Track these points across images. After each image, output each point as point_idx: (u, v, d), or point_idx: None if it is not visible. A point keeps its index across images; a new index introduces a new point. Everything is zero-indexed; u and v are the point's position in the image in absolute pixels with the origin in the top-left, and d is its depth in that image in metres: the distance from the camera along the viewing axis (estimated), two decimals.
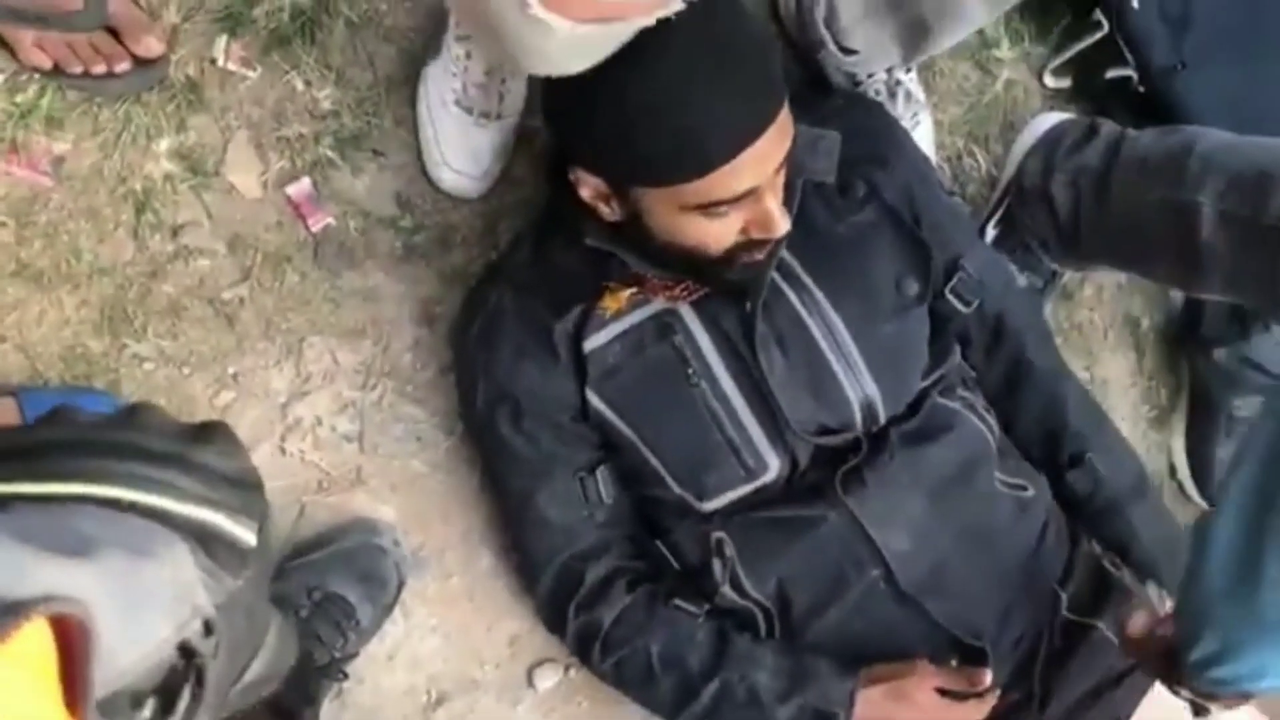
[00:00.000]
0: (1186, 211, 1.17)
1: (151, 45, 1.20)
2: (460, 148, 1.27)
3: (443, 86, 1.26)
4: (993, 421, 1.22)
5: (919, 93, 1.39)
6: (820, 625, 1.15)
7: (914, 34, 1.24)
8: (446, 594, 1.35)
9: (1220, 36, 1.42)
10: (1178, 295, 1.58)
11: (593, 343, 1.14)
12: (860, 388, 1.13)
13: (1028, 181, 1.40)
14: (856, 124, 1.21)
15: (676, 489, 1.16)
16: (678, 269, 1.08)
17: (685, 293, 1.12)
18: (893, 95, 1.35)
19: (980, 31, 1.49)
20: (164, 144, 1.24)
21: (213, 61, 1.26)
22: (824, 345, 1.12)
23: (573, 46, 0.82)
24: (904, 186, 1.20)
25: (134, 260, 1.25)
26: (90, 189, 1.23)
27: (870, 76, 1.34)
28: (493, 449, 1.23)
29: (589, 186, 1.03)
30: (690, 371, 1.11)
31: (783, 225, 1.00)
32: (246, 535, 0.52)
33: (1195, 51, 1.41)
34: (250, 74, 1.27)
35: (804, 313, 1.13)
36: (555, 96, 1.02)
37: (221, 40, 1.26)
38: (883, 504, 1.11)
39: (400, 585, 1.30)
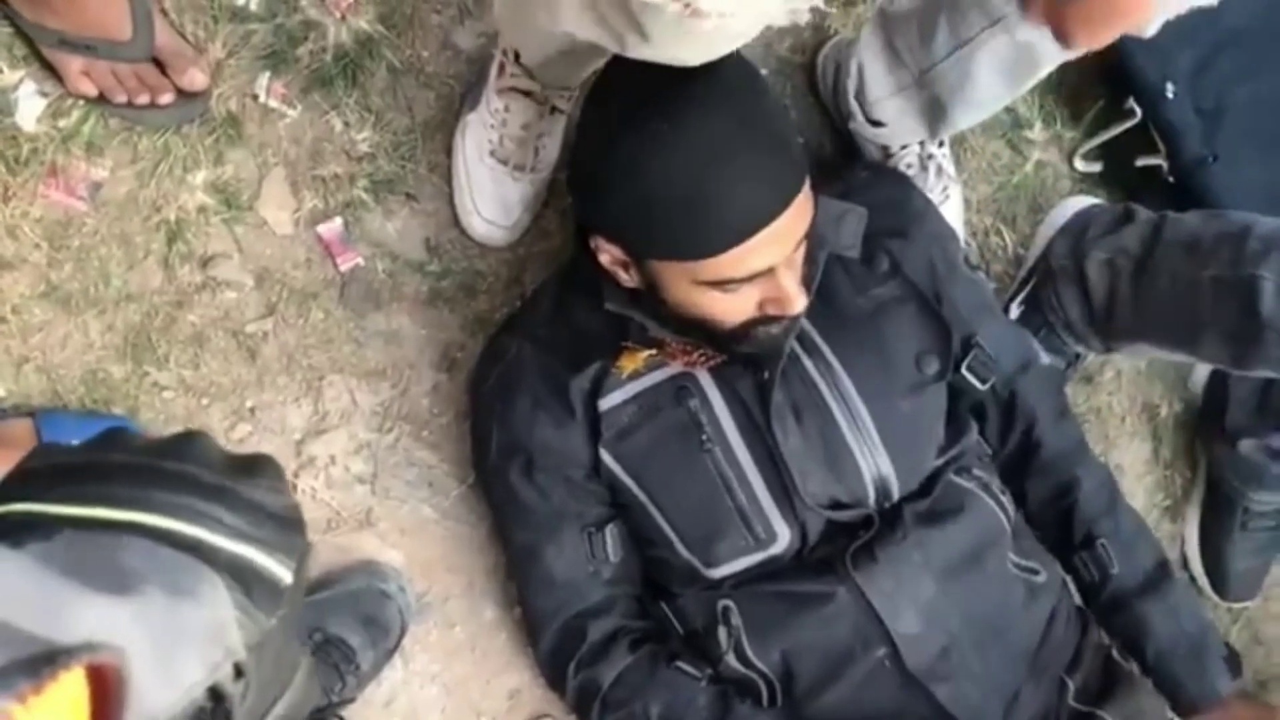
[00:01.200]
0: (1245, 287, 1.17)
1: (196, 78, 1.21)
2: (492, 198, 1.29)
3: (480, 137, 1.27)
4: (1007, 502, 1.21)
5: (950, 167, 1.40)
6: (823, 701, 1.14)
7: (935, 112, 1.26)
8: (448, 643, 1.34)
9: (1253, 131, 1.43)
10: (1198, 385, 1.58)
11: (608, 402, 1.14)
12: (874, 462, 1.13)
13: (1056, 262, 1.41)
14: (882, 196, 1.22)
15: (685, 554, 1.15)
16: (694, 336, 1.08)
17: (704, 359, 1.12)
18: (924, 168, 1.36)
19: (1013, 111, 1.50)
20: (200, 176, 1.25)
21: (254, 97, 1.27)
22: (840, 418, 1.12)
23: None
24: (925, 259, 1.20)
25: (162, 289, 1.25)
26: (124, 216, 1.24)
27: (903, 149, 1.35)
28: (503, 500, 1.22)
29: (608, 254, 1.03)
30: (704, 438, 1.11)
31: (799, 304, 0.99)
32: (284, 574, 0.52)
33: (1227, 144, 1.42)
34: (290, 112, 1.28)
35: (821, 384, 1.12)
36: (578, 166, 1.03)
37: (264, 77, 1.27)
38: (893, 583, 1.10)
39: (403, 631, 1.29)
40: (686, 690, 1.16)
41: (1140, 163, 1.47)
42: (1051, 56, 1.11)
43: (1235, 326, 1.20)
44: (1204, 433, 1.55)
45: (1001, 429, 1.27)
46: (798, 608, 1.12)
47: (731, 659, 1.15)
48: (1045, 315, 1.43)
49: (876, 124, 1.33)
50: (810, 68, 1.44)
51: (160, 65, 1.21)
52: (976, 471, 1.20)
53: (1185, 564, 1.60)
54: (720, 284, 0.97)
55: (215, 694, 0.45)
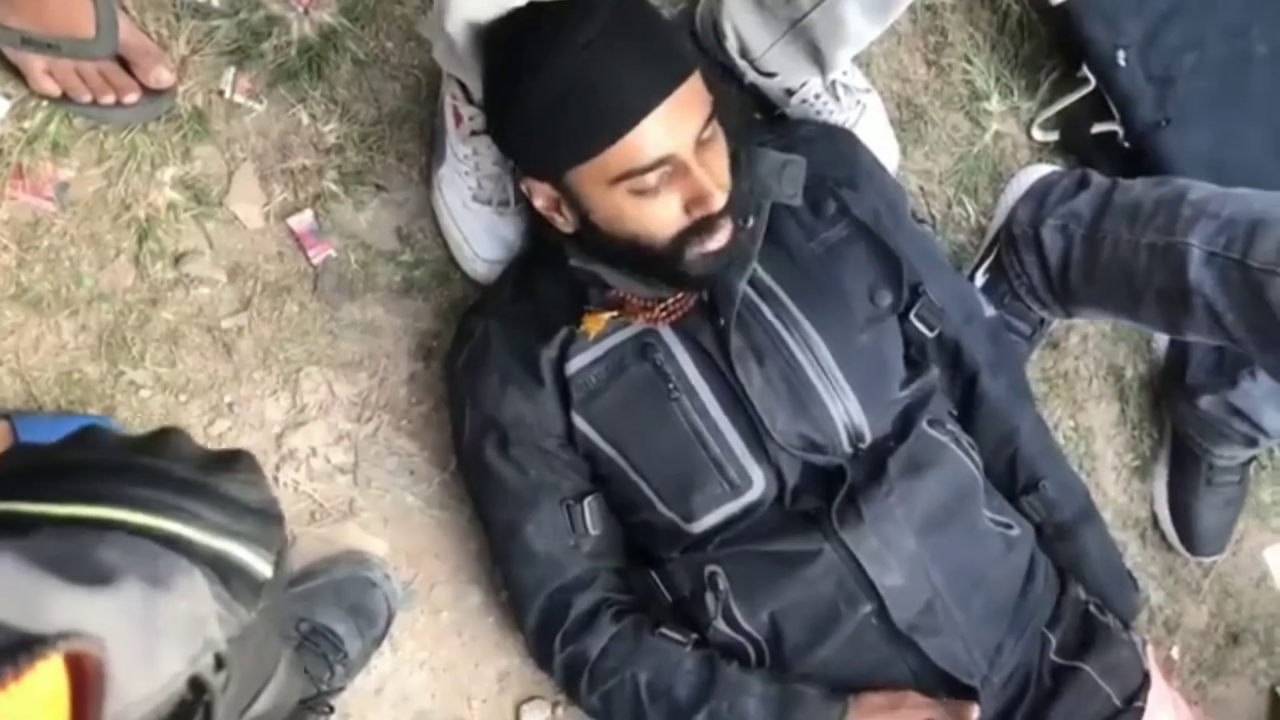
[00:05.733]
0: (1175, 252, 1.20)
1: (162, 76, 1.22)
2: (488, 240, 1.30)
3: (458, 187, 1.29)
4: (977, 457, 1.24)
5: (857, 81, 1.41)
6: (811, 659, 1.15)
7: (815, 54, 1.30)
8: (436, 629, 1.34)
9: (1203, 95, 1.46)
10: (1161, 346, 1.61)
11: (575, 365, 1.16)
12: (842, 403, 1.15)
13: (1018, 229, 1.43)
14: (828, 150, 1.27)
15: (665, 511, 1.16)
16: (641, 268, 1.10)
17: (665, 314, 1.15)
18: (834, 95, 1.38)
19: (971, 84, 1.53)
20: (169, 173, 1.26)
21: (220, 93, 1.27)
22: (801, 358, 1.15)
23: None
24: (873, 208, 1.23)
25: (134, 287, 1.25)
26: (93, 215, 1.24)
27: (803, 85, 1.37)
28: (480, 479, 1.24)
29: (540, 195, 1.08)
30: (671, 387, 1.13)
31: (718, 199, 1.02)
32: (263, 567, 0.52)
33: (1179, 109, 1.45)
34: (257, 106, 1.29)
35: (780, 326, 1.15)
36: (489, 111, 1.09)
37: (229, 73, 1.27)
38: (878, 540, 1.12)
39: (389, 619, 1.29)
40: (673, 656, 1.17)
41: (1096, 129, 1.50)
42: None
43: (1168, 293, 1.22)
44: (1167, 392, 1.58)
45: (948, 380, 1.30)
46: (784, 568, 1.13)
47: (720, 623, 1.16)
48: (1009, 282, 1.45)
49: (769, 75, 1.36)
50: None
51: (124, 63, 1.21)
52: (949, 426, 1.23)
53: (1155, 521, 1.63)
54: (629, 176, 1.00)
55: (196, 685, 0.45)
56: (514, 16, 1.00)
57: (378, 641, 1.29)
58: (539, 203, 1.09)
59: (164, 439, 0.53)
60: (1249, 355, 1.24)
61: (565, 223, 1.10)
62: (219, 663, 0.47)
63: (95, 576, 0.40)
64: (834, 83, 1.38)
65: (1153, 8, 1.46)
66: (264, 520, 0.53)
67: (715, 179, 1.02)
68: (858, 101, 1.39)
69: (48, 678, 0.35)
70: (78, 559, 0.42)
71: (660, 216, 1.03)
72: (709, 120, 1.02)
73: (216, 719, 0.46)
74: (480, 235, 1.31)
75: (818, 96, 1.37)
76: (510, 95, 1.02)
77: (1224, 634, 1.67)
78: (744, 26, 1.33)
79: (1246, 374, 1.40)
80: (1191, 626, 1.65)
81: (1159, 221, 1.24)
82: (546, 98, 0.98)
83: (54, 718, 0.36)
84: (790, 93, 1.37)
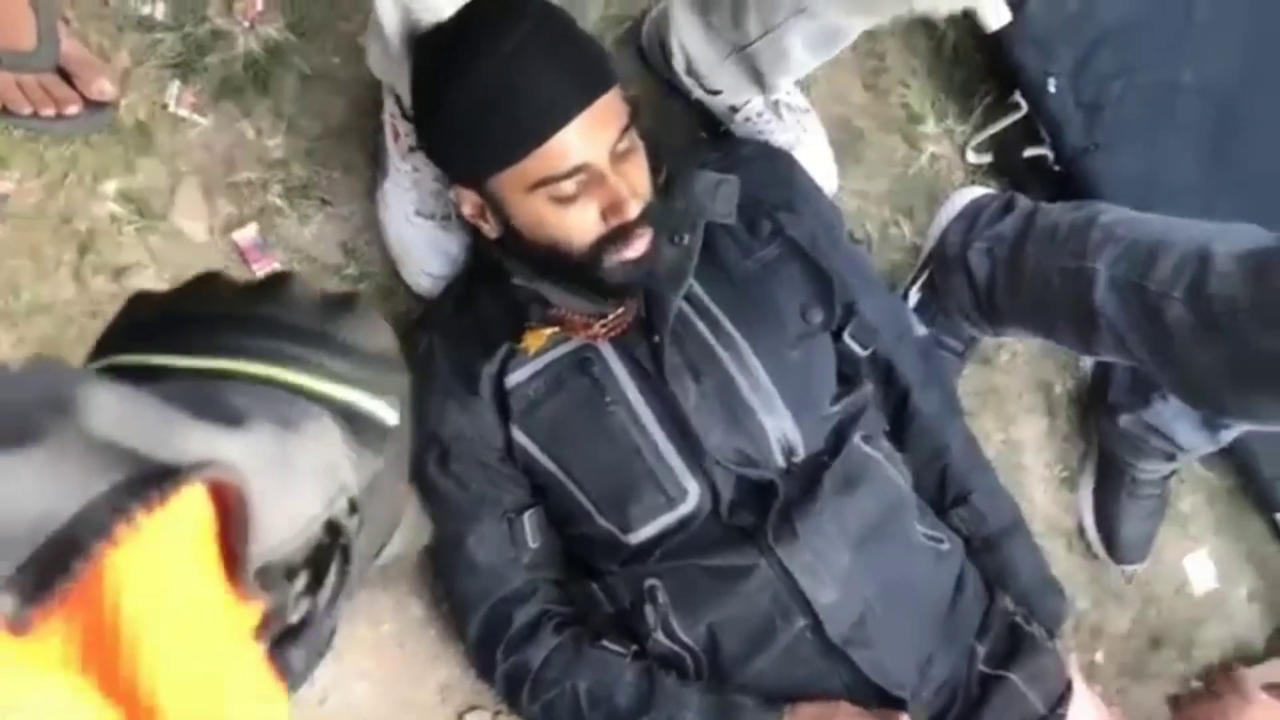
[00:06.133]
0: (1084, 276, 1.25)
1: (104, 88, 1.21)
2: (432, 254, 1.31)
3: (401, 202, 1.30)
4: (908, 473, 1.28)
5: (799, 100, 1.45)
6: (748, 672, 1.18)
7: (757, 77, 1.34)
8: (377, 640, 1.35)
9: (1131, 121, 1.51)
10: (1088, 363, 1.67)
11: (514, 378, 1.18)
12: (773, 416, 1.19)
13: (949, 251, 1.47)
14: (766, 171, 1.30)
15: (602, 522, 1.19)
16: (563, 275, 1.13)
17: (604, 330, 1.18)
18: (777, 114, 1.41)
19: (908, 107, 1.57)
20: (111, 186, 1.25)
21: (164, 106, 1.27)
22: (735, 373, 1.18)
23: None
24: (809, 229, 1.27)
25: (74, 300, 1.25)
26: (33, 227, 1.23)
27: (747, 104, 1.41)
28: (422, 495, 1.24)
29: (467, 202, 1.12)
30: (608, 400, 1.16)
31: (632, 207, 1.06)
32: (389, 414, 0.50)
33: (1107, 134, 1.50)
34: (201, 120, 1.29)
35: (714, 343, 1.18)
36: (418, 123, 1.13)
37: (173, 86, 1.27)
38: (811, 555, 1.15)
39: (333, 630, 1.29)
40: (614, 667, 1.20)
41: (1028, 153, 1.55)
42: (855, 29, 1.23)
43: (1078, 315, 1.27)
44: (1093, 408, 1.64)
45: (881, 396, 1.34)
46: (721, 582, 1.16)
47: (660, 635, 1.19)
48: (942, 301, 1.50)
49: (714, 92, 1.39)
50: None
51: (66, 75, 1.20)
52: (882, 442, 1.26)
53: (1081, 530, 1.68)
54: (547, 183, 1.04)
55: (332, 528, 0.44)
56: (440, 27, 1.05)
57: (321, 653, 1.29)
58: (466, 210, 1.14)
59: (281, 285, 0.50)
60: (1149, 373, 1.30)
61: (490, 229, 1.14)
62: (353, 507, 0.45)
63: (227, 416, 0.39)
64: (776, 102, 1.41)
65: (1083, 36, 1.51)
66: (387, 366, 0.51)
67: (632, 188, 1.06)
68: (799, 122, 1.42)
69: (192, 505, 0.34)
70: (208, 400, 0.40)
71: (578, 223, 1.07)
72: (625, 131, 1.06)
73: (352, 562, 0.45)
74: (424, 249, 1.32)
75: (760, 114, 1.40)
76: (435, 103, 1.07)
77: (1146, 639, 1.73)
78: (691, 45, 1.36)
79: (1158, 395, 1.45)
80: (1115, 632, 1.71)
81: (1071, 245, 1.29)
82: (470, 105, 1.03)
83: (200, 547, 0.35)
84: (734, 110, 1.40)
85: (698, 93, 1.41)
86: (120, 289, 1.26)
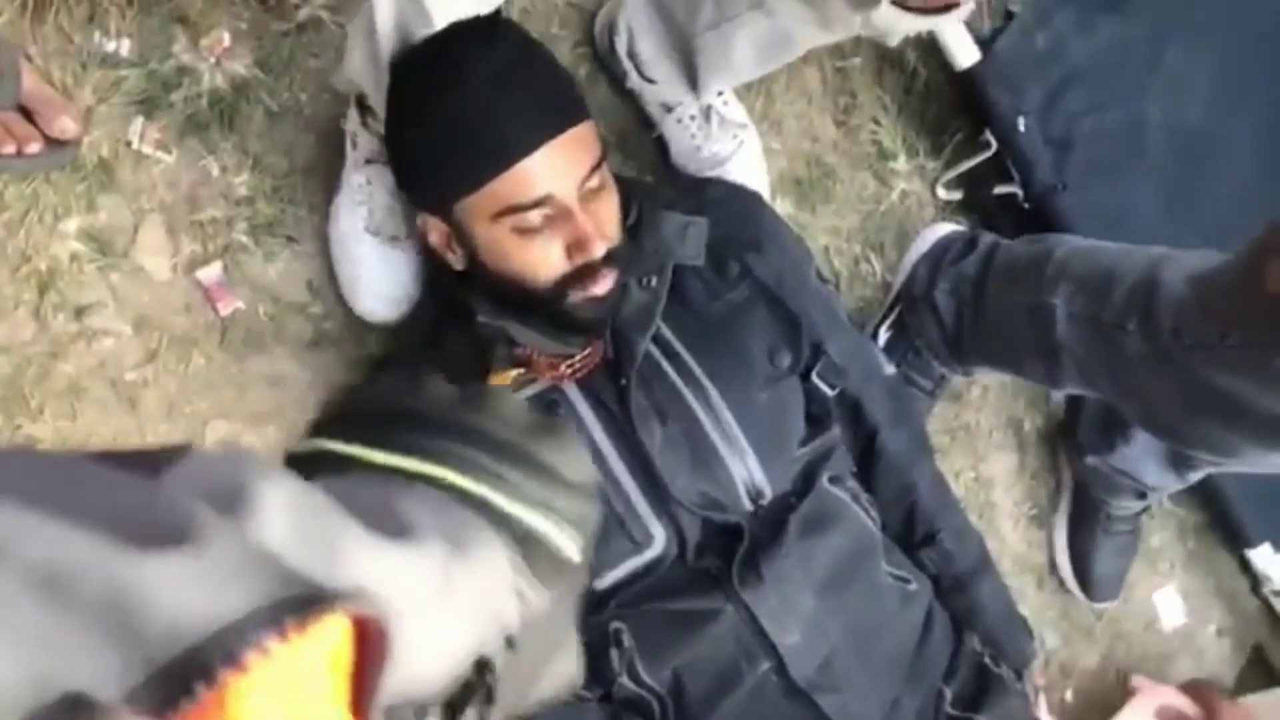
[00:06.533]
0: (1043, 313, 1.25)
1: (66, 126, 1.19)
2: (382, 274, 1.30)
3: (352, 217, 1.29)
4: (875, 514, 1.27)
5: (736, 115, 1.44)
6: (714, 715, 1.16)
7: (690, 73, 1.34)
8: None
9: (1099, 159, 1.52)
10: (1058, 398, 1.67)
11: None
12: (739, 459, 1.18)
13: (916, 290, 1.48)
14: (733, 211, 1.29)
15: None
16: (527, 310, 1.12)
17: (570, 371, 1.17)
18: (707, 120, 1.41)
19: (879, 144, 1.58)
20: (72, 224, 1.24)
21: (127, 143, 1.26)
22: (702, 417, 1.17)
23: None
24: (776, 269, 1.26)
25: (34, 340, 1.23)
26: None
27: (680, 104, 1.41)
28: None
29: (434, 230, 1.12)
30: None
31: (596, 245, 1.06)
32: (571, 548, 0.48)
33: (1075, 172, 1.51)
34: (166, 157, 1.28)
35: (681, 385, 1.17)
36: (388, 147, 1.14)
37: (137, 122, 1.26)
38: (777, 599, 1.14)
39: None
40: (577, 712, 1.18)
41: (998, 191, 1.56)
42: (805, 41, 1.22)
43: (1042, 351, 1.28)
44: (1064, 445, 1.64)
45: (849, 436, 1.33)
46: (687, 627, 1.15)
47: (625, 680, 1.17)
48: (911, 339, 1.50)
49: (650, 81, 1.39)
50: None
51: (27, 113, 1.19)
52: (849, 484, 1.26)
53: (1054, 566, 1.68)
54: (513, 212, 1.04)
55: (481, 666, 0.42)
56: (416, 48, 1.06)
57: None
58: (433, 238, 1.13)
59: (492, 397, 0.50)
60: (1116, 407, 1.30)
61: (456, 260, 1.14)
62: (508, 643, 0.44)
63: (398, 528, 0.38)
64: (710, 110, 1.40)
65: (1053, 74, 1.52)
66: (582, 497, 0.49)
67: (599, 228, 1.06)
68: (734, 135, 1.41)
69: (331, 635, 0.33)
70: (383, 506, 0.40)
71: (542, 258, 1.07)
72: (595, 169, 1.06)
73: (495, 704, 0.43)
74: (371, 267, 1.30)
75: (693, 119, 1.40)
76: (407, 123, 1.09)
77: (1115, 676, 1.73)
78: (638, 26, 1.36)
79: (1121, 439, 1.46)
80: (1085, 668, 1.71)
81: (1029, 282, 1.30)
82: (440, 127, 1.04)
83: (331, 679, 0.34)
84: (668, 109, 1.40)
85: (634, 78, 1.40)
86: (81, 328, 1.24)
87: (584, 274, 1.08)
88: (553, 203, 1.04)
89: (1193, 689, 1.60)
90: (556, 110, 1.05)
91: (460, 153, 1.05)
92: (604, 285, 1.09)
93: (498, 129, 1.03)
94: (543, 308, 1.11)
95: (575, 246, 1.06)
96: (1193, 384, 1.12)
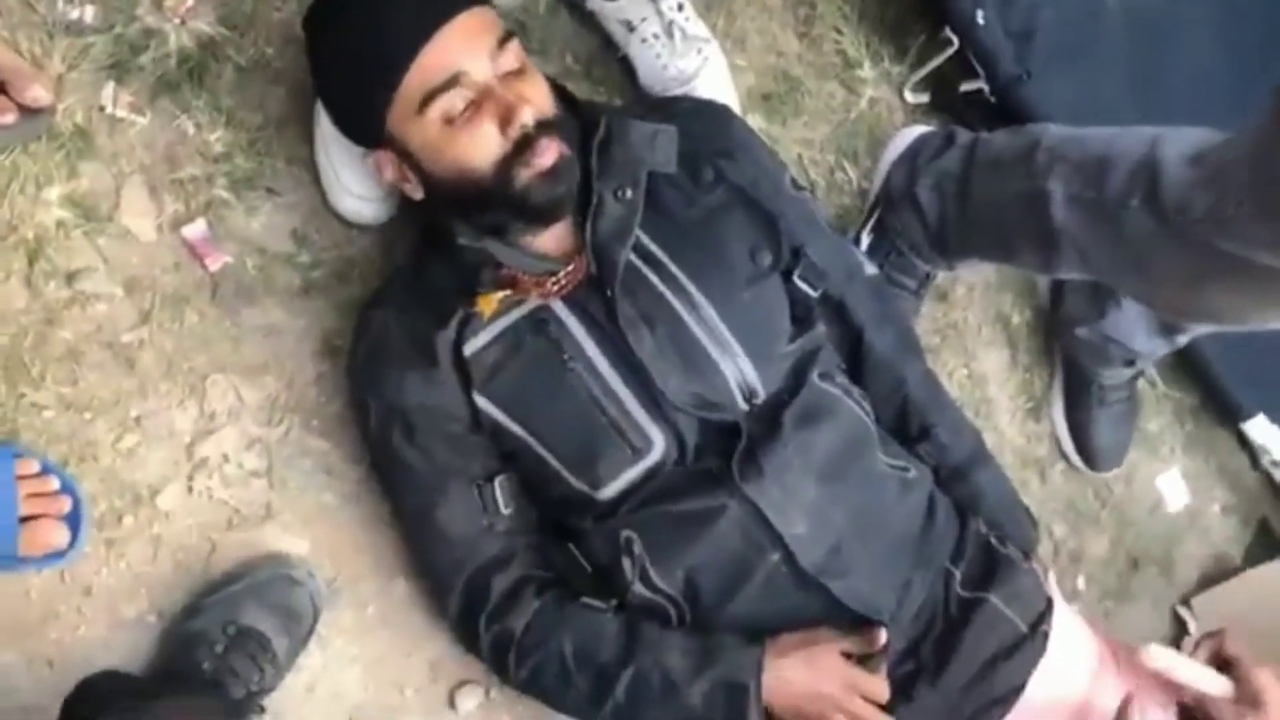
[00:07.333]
0: (1039, 199, 1.26)
1: (39, 95, 1.21)
2: (357, 171, 1.30)
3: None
4: (869, 407, 1.29)
5: (697, 30, 1.45)
6: (729, 612, 1.20)
7: None
8: (363, 624, 1.36)
9: (1060, 47, 1.54)
10: (1044, 289, 1.69)
11: (472, 347, 1.19)
12: (730, 358, 1.20)
13: (895, 191, 1.49)
14: (703, 122, 1.31)
15: (573, 481, 1.20)
16: (487, 206, 1.15)
17: (556, 288, 1.19)
18: (670, 36, 1.42)
19: (843, 53, 1.59)
20: (55, 192, 1.25)
21: (101, 109, 1.27)
22: (689, 319, 1.19)
23: None
24: (750, 175, 1.28)
25: (28, 309, 1.25)
26: None
27: (643, 21, 1.42)
28: (389, 468, 1.26)
29: (386, 165, 1.18)
30: (566, 357, 1.17)
31: (524, 111, 1.09)
32: None
33: (1039, 62, 1.52)
34: (140, 119, 1.29)
35: (666, 291, 1.19)
36: (319, 91, 1.23)
37: (109, 87, 1.27)
38: (779, 490, 1.16)
39: (316, 617, 1.30)
40: (596, 623, 1.21)
41: (964, 88, 1.57)
42: None
43: (1037, 237, 1.29)
44: (1052, 322, 1.66)
45: (835, 337, 1.35)
46: (694, 526, 1.17)
47: (639, 587, 1.20)
48: (893, 241, 1.52)
49: None
50: None
51: None
52: (839, 379, 1.28)
53: (1060, 449, 1.70)
54: (431, 99, 1.09)
55: None
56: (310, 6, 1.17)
57: (305, 640, 1.30)
58: (388, 175, 1.19)
59: None
60: (1114, 285, 1.31)
61: (413, 187, 1.18)
62: None
63: None
64: (672, 25, 1.42)
65: None
66: None
67: (523, 97, 1.10)
68: (698, 51, 1.42)
69: None
70: None
71: (475, 140, 1.10)
72: (504, 43, 1.11)
73: None
74: (350, 165, 1.31)
75: (656, 37, 1.41)
76: (321, 69, 1.18)
77: (1125, 560, 1.76)
78: None
79: (1113, 304, 1.48)
80: (1094, 556, 1.74)
81: (1020, 170, 1.31)
82: (345, 49, 1.12)
83: None
84: (630, 28, 1.42)
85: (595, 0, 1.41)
86: (74, 293, 1.26)
87: (523, 148, 1.10)
88: (468, 81, 1.09)
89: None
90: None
91: (366, 69, 1.10)
92: (548, 156, 1.11)
93: (394, 27, 1.08)
94: (499, 200, 1.13)
95: (504, 120, 1.10)
96: (1201, 256, 1.14)
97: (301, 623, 1.28)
